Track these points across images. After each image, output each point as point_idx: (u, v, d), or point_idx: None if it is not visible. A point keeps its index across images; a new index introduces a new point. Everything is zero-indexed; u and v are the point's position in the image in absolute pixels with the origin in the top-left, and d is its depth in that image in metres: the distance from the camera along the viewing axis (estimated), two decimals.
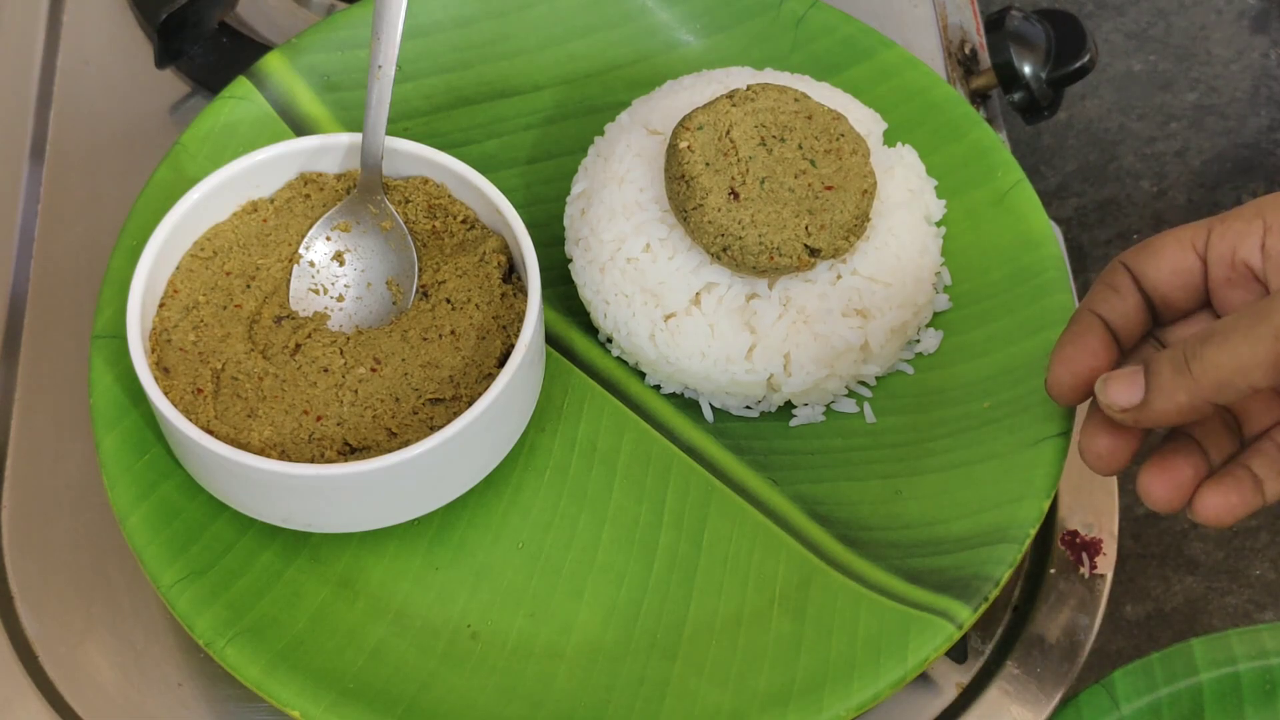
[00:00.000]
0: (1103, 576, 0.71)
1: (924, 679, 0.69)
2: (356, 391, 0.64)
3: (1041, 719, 0.68)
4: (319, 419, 0.63)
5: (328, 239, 0.68)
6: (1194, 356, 0.57)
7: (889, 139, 0.74)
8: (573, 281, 0.71)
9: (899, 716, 0.68)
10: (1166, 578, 0.82)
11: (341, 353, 0.65)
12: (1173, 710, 0.66)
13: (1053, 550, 0.71)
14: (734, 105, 0.67)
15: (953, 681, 0.69)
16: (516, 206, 0.67)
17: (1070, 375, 0.62)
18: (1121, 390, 0.59)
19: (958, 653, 0.69)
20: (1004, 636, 0.70)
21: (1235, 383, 0.56)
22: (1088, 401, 0.62)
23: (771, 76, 0.72)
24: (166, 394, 0.63)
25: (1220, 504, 0.60)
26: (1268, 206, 0.60)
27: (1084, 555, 0.71)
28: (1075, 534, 0.71)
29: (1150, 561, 0.82)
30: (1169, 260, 0.62)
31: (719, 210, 0.66)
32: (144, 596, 0.69)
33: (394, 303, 0.67)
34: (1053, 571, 0.71)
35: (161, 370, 0.64)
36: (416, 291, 0.67)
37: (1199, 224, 0.61)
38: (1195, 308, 0.63)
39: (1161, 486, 0.60)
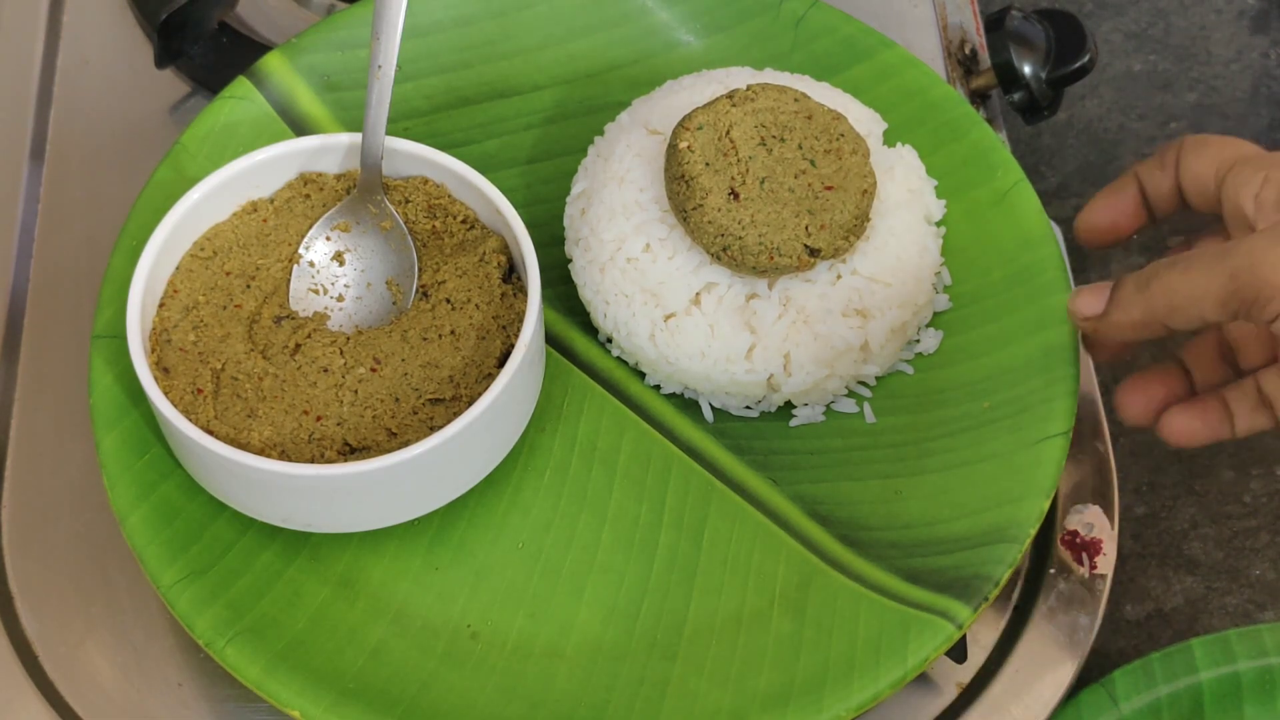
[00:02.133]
0: (1103, 576, 0.71)
1: (924, 679, 0.69)
2: (356, 391, 0.64)
3: (1041, 719, 0.68)
4: (319, 419, 0.63)
5: (327, 239, 0.68)
6: (1154, 277, 0.61)
7: (889, 139, 0.74)
8: (573, 281, 0.71)
9: (899, 716, 0.68)
10: (1166, 578, 0.82)
11: (341, 353, 0.65)
12: (1173, 710, 0.66)
13: (1053, 550, 0.71)
14: (734, 105, 0.67)
15: (953, 681, 0.69)
16: (516, 206, 0.67)
17: (1100, 218, 0.67)
18: (1088, 300, 0.64)
19: (958, 653, 0.69)
20: (1004, 636, 0.70)
21: (1187, 310, 0.60)
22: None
23: (771, 76, 0.72)
24: (166, 394, 0.63)
25: (1183, 426, 0.64)
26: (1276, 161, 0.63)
27: (1084, 555, 0.71)
28: (1075, 534, 0.71)
29: (1150, 561, 0.82)
30: (1203, 164, 0.65)
31: (719, 210, 0.66)
32: (144, 596, 0.68)
33: (394, 303, 0.67)
34: (1053, 571, 0.71)
35: (161, 370, 0.64)
36: (416, 291, 0.67)
37: (1233, 154, 0.64)
38: (1211, 217, 0.66)
39: (1134, 402, 0.65)
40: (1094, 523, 0.72)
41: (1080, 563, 0.71)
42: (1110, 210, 0.67)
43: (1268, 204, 0.62)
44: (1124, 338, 0.64)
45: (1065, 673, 0.69)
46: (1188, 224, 0.68)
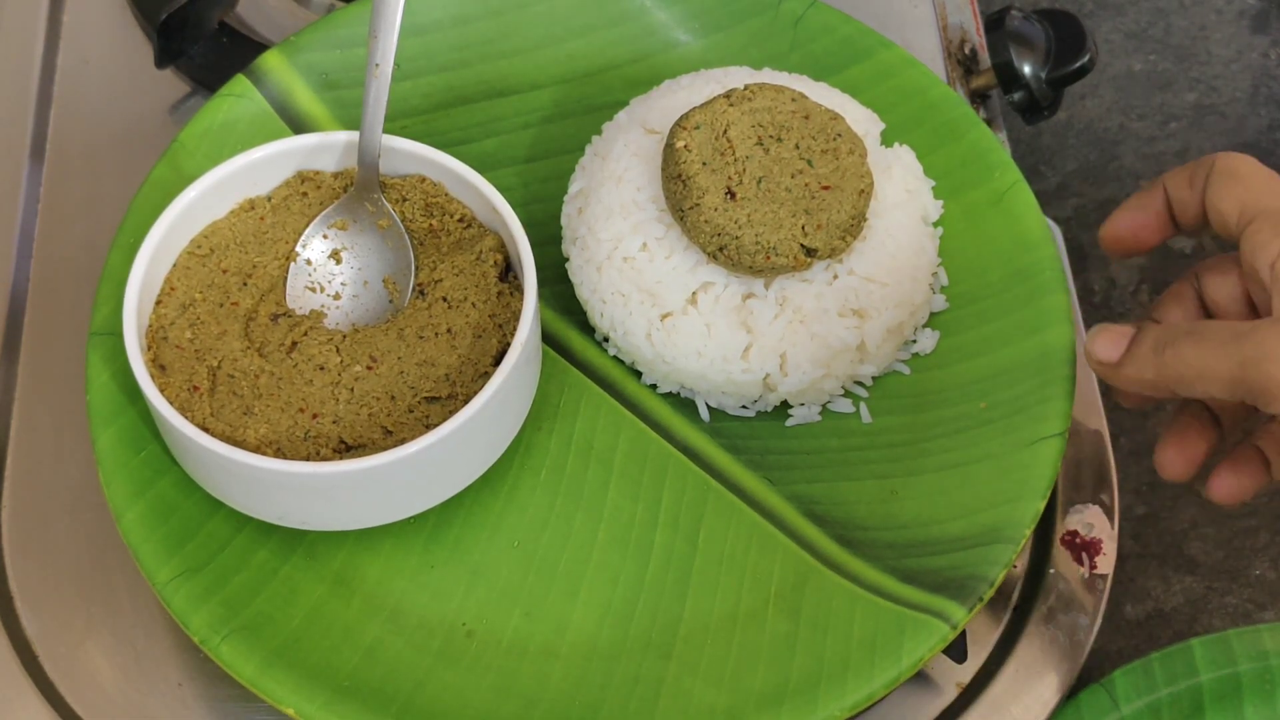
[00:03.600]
0: (1103, 576, 0.71)
1: (924, 679, 0.69)
2: (353, 389, 0.64)
3: (1041, 719, 0.68)
4: (315, 417, 0.63)
5: (325, 237, 0.68)
6: (1170, 343, 0.60)
7: (887, 139, 0.74)
8: (569, 280, 0.71)
9: (899, 716, 0.68)
10: (1166, 578, 0.82)
11: (338, 351, 0.65)
12: (1173, 710, 0.66)
13: (1053, 550, 0.71)
14: (731, 105, 0.67)
15: (953, 681, 0.69)
16: (514, 205, 0.67)
17: (1125, 228, 0.66)
18: (1106, 346, 0.62)
19: (957, 652, 0.69)
20: (1004, 636, 0.70)
21: (1195, 384, 0.59)
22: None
23: (769, 76, 0.72)
24: (163, 391, 0.63)
25: (1233, 484, 0.63)
26: None
27: (1084, 555, 0.71)
28: (1075, 534, 0.71)
29: (1150, 561, 0.82)
30: (1228, 203, 0.63)
31: (716, 210, 0.66)
32: (144, 596, 0.69)
33: (390, 301, 0.67)
34: (1053, 571, 0.71)
35: (158, 367, 0.64)
36: (413, 290, 0.67)
37: (1257, 200, 0.63)
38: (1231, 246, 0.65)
39: (1173, 460, 0.64)
40: (1094, 523, 0.71)
41: (1080, 563, 0.71)
42: (1135, 222, 0.66)
43: None
44: (1133, 391, 0.63)
45: (1065, 672, 0.69)
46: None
